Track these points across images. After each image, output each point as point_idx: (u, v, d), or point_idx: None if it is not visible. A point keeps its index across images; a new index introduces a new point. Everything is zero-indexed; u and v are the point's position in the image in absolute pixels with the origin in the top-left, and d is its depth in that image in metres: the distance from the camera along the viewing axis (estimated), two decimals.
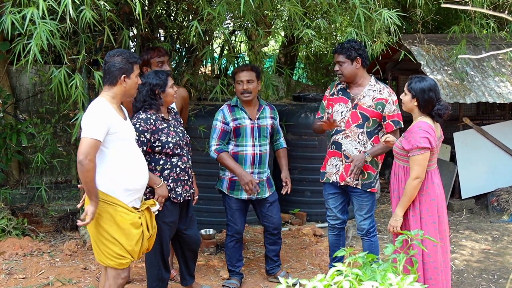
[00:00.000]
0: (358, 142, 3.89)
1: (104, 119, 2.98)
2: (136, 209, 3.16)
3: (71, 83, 3.85)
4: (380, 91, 3.90)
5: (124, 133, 3.09)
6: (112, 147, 3.04)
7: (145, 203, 3.27)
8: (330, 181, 4.02)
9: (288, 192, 4.20)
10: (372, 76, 3.98)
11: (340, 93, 4.01)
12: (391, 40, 4.38)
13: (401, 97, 3.53)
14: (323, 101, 4.15)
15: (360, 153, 3.87)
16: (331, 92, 4.08)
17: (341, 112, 3.95)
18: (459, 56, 3.56)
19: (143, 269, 4.51)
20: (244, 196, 4.12)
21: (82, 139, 2.95)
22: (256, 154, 4.09)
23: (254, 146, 4.09)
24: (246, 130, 4.07)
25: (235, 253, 4.26)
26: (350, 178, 3.90)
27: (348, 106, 3.93)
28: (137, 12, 3.41)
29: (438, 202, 3.45)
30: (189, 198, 3.80)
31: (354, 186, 3.94)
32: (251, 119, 4.10)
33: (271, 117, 4.21)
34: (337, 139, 3.95)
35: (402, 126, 3.93)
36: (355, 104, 3.91)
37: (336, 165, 3.97)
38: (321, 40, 6.47)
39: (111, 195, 3.05)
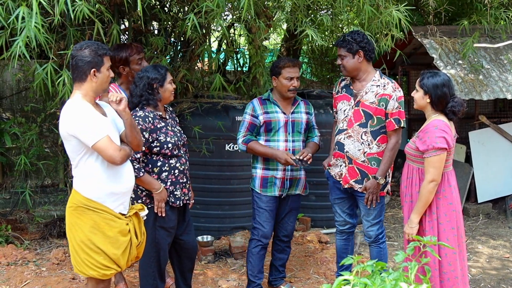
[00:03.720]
0: (362, 142, 3.86)
1: (91, 118, 2.95)
2: (123, 215, 3.15)
3: (59, 79, 3.85)
4: (384, 86, 3.85)
5: (106, 131, 3.03)
6: None
7: (133, 208, 3.25)
8: (332, 174, 4.04)
9: (308, 158, 3.93)
10: (378, 71, 3.94)
11: (344, 90, 4.01)
12: (401, 35, 4.42)
13: (412, 94, 3.52)
14: (333, 98, 4.18)
15: (364, 154, 3.86)
16: (336, 90, 4.09)
17: (344, 111, 3.94)
18: (475, 45, 3.60)
19: (136, 279, 4.52)
20: (277, 192, 4.09)
21: (96, 146, 2.92)
22: (289, 149, 4.05)
23: (287, 141, 4.07)
24: (279, 125, 4.04)
25: (260, 261, 4.18)
26: (359, 187, 3.92)
27: (350, 103, 3.92)
28: (138, 9, 3.43)
29: (455, 207, 3.45)
30: (187, 201, 3.81)
31: (359, 190, 3.94)
32: (284, 114, 4.08)
33: (306, 112, 4.18)
34: (340, 139, 3.95)
35: (404, 126, 3.88)
36: (358, 101, 3.89)
37: (340, 166, 3.98)
38: (326, 32, 6.48)
39: (96, 201, 3.03)
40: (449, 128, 3.37)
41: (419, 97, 3.46)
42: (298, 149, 4.07)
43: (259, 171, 4.11)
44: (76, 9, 3.46)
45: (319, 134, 4.26)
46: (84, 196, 3.02)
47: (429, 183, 3.35)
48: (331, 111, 5.75)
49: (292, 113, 4.10)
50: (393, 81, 3.94)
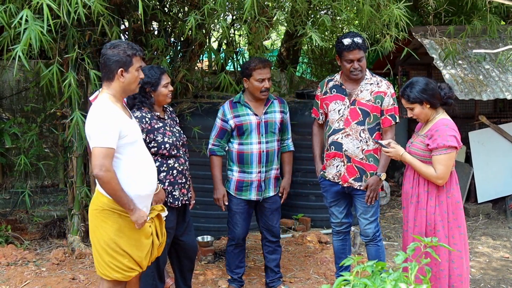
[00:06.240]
0: (360, 140, 3.89)
1: (114, 123, 2.89)
2: None
3: (66, 81, 3.85)
4: (377, 84, 3.92)
5: (133, 134, 3.02)
6: (124, 152, 2.96)
7: (154, 209, 3.24)
8: (327, 178, 4.04)
9: (281, 202, 4.26)
10: (367, 69, 3.99)
11: (334, 91, 4.00)
12: (401, 36, 4.43)
13: (409, 116, 3.51)
14: (315, 99, 4.15)
15: (362, 151, 3.89)
16: (323, 91, 4.07)
17: (339, 111, 3.94)
18: (474, 51, 3.63)
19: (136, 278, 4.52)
20: (253, 196, 4.12)
21: (93, 150, 2.86)
22: (263, 151, 4.06)
23: (260, 143, 4.06)
24: (251, 127, 4.04)
25: (234, 258, 4.28)
26: (359, 185, 3.94)
27: (345, 103, 3.93)
28: (139, 12, 3.44)
29: (461, 205, 3.47)
30: (186, 202, 3.81)
31: (359, 188, 3.95)
32: (256, 115, 4.06)
33: (280, 111, 4.17)
34: (336, 138, 3.94)
35: (398, 121, 3.96)
36: (353, 100, 3.91)
37: (336, 166, 3.98)
38: (326, 33, 6.48)
39: None
40: (456, 127, 3.40)
41: (420, 112, 3.45)
42: (271, 150, 4.10)
43: (235, 174, 4.12)
44: (93, 5, 3.48)
45: (291, 136, 4.29)
46: (110, 198, 2.98)
47: (437, 179, 3.36)
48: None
49: (265, 113, 4.09)
50: (385, 78, 4.01)
